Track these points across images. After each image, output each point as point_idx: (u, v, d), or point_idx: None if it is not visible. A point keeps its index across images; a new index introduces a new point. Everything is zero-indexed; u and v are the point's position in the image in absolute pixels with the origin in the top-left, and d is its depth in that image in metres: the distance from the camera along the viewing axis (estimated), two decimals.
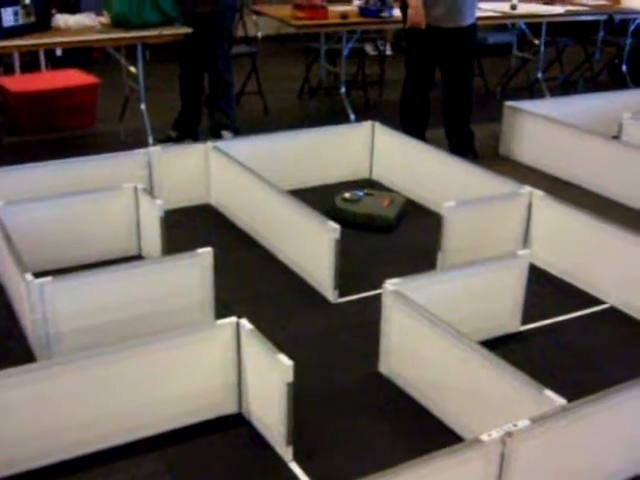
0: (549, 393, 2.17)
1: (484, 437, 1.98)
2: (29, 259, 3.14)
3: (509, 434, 1.99)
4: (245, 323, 2.47)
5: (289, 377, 2.28)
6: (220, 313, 2.92)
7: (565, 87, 6.94)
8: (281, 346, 2.37)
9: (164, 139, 5.05)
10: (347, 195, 4.06)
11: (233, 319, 2.49)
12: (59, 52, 6.57)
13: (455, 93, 4.87)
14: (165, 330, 2.51)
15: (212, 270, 2.97)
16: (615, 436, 2.26)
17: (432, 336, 2.53)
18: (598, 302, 3.32)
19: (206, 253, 2.95)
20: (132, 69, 4.99)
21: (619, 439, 2.28)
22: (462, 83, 4.85)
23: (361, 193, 4.10)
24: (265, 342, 2.38)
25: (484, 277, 2.90)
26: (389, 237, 3.90)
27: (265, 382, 2.40)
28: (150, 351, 2.40)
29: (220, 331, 2.48)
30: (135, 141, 4.84)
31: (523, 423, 2.02)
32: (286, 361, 2.28)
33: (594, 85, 6.97)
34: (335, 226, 3.20)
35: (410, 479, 1.91)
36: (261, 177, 3.73)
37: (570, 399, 2.16)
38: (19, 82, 5.47)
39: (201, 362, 2.49)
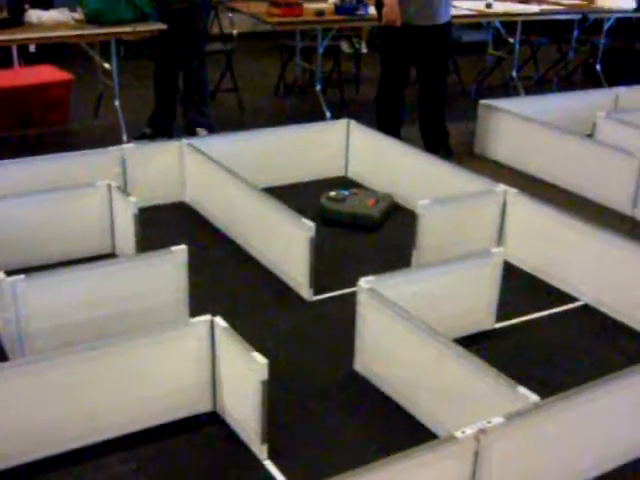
0: (523, 390, 2.18)
1: (458, 434, 1.98)
2: (1, 257, 3.12)
3: (483, 431, 2.00)
4: (219, 321, 2.46)
5: (264, 375, 2.27)
6: (195, 311, 2.89)
7: (540, 86, 6.98)
8: (256, 344, 2.37)
9: (138, 136, 5.02)
10: (332, 194, 4.05)
11: (207, 317, 2.48)
12: (32, 48, 6.50)
13: (430, 91, 4.88)
14: (139, 328, 2.49)
15: (186, 268, 2.96)
16: (588, 433, 2.28)
17: (406, 334, 2.53)
18: (572, 299, 3.35)
19: (180, 251, 2.93)
20: (106, 65, 4.95)
21: (592, 436, 2.29)
22: (437, 81, 4.86)
23: (347, 192, 4.09)
24: (240, 340, 2.37)
25: (458, 275, 2.91)
26: (365, 235, 3.90)
27: (240, 380, 2.39)
28: (123, 349, 2.38)
29: (194, 329, 2.47)
30: (109, 138, 4.80)
31: (497, 420, 2.03)
32: (261, 359, 2.27)
33: (569, 84, 7.03)
34: (310, 224, 3.19)
35: (384, 477, 1.91)
36: (236, 175, 3.71)
37: (544, 396, 2.18)
38: None
39: (175, 360, 2.47)
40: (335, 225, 3.93)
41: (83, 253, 3.48)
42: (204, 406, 2.56)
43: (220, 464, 2.36)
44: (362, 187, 4.43)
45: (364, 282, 2.71)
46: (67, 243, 3.48)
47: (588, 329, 3.16)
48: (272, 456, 2.37)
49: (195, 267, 3.09)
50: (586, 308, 3.30)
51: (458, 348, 2.38)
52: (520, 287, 3.43)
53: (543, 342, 3.04)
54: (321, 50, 5.72)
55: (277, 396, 2.55)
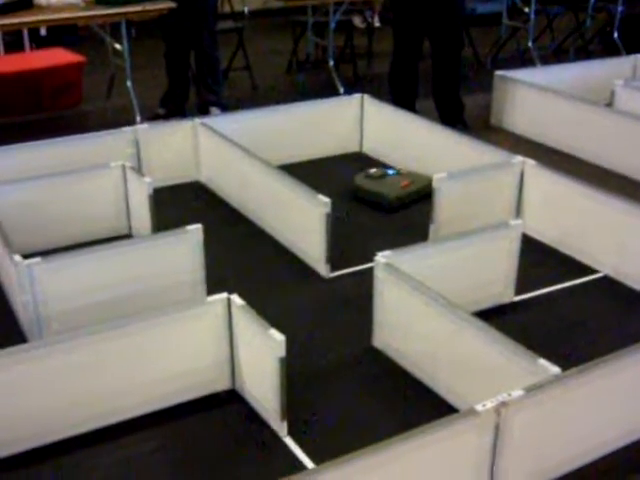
0: (543, 362, 2.16)
1: (478, 407, 1.97)
2: (18, 240, 3.12)
3: (503, 404, 1.98)
4: (236, 299, 2.45)
5: (281, 352, 2.26)
6: (211, 290, 2.89)
7: (556, 55, 6.89)
8: (273, 321, 2.35)
9: (152, 117, 5.00)
10: (372, 171, 3.96)
11: (224, 295, 2.47)
12: (43, 31, 6.48)
13: (444, 64, 4.82)
14: (156, 309, 2.49)
15: (202, 247, 2.95)
16: (610, 405, 2.25)
17: (425, 308, 2.51)
18: (592, 271, 3.31)
19: (196, 230, 2.92)
20: (117, 47, 4.92)
21: (614, 408, 2.27)
22: (451, 53, 4.80)
23: (391, 172, 3.97)
24: (256, 318, 2.36)
25: (476, 248, 2.88)
26: (383, 212, 3.87)
27: (257, 358, 2.39)
28: (141, 329, 2.38)
29: (211, 307, 2.46)
30: (122, 119, 4.78)
31: (517, 393, 2.01)
32: (278, 336, 2.26)
33: (586, 53, 6.91)
34: (325, 200, 3.17)
35: (405, 451, 1.90)
36: (250, 153, 3.69)
37: (564, 368, 2.15)
38: (3, 63, 5.39)
39: (193, 339, 2.47)
40: (361, 202, 3.91)
41: (99, 235, 3.48)
42: (223, 384, 2.56)
43: (240, 442, 2.36)
44: (378, 163, 4.39)
45: (381, 257, 2.69)
46: (83, 225, 3.48)
47: (608, 301, 3.12)
48: (292, 433, 2.36)
49: (211, 246, 3.08)
50: (606, 279, 3.26)
51: (477, 321, 2.36)
52: (539, 259, 3.39)
53: (563, 314, 3.01)
54: (333, 25, 5.66)
55: (295, 373, 2.55)
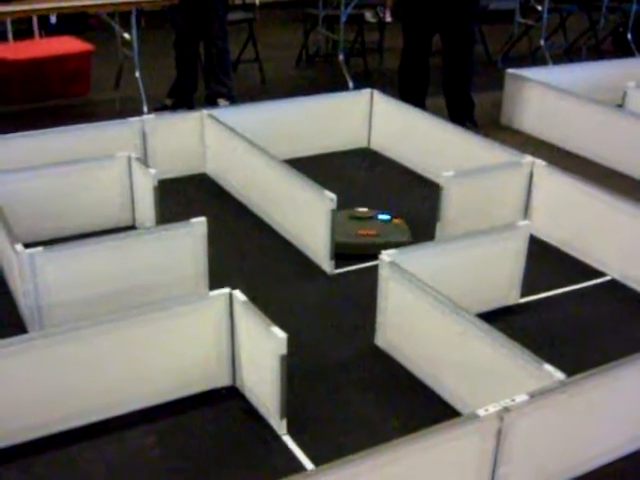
0: (548, 367, 2.12)
1: (481, 412, 1.94)
2: (22, 229, 3.10)
3: (506, 409, 1.95)
4: (238, 294, 2.42)
5: (283, 349, 2.23)
6: (214, 284, 2.87)
7: (568, 55, 6.83)
8: (276, 318, 2.33)
9: (159, 107, 4.97)
10: (359, 210, 3.51)
11: (226, 290, 2.44)
12: (53, 19, 6.45)
13: (455, 61, 4.77)
14: (158, 301, 2.46)
15: (206, 240, 2.92)
16: (615, 412, 2.22)
17: (429, 308, 2.48)
18: (599, 274, 3.27)
19: (199, 223, 2.89)
20: (126, 36, 4.90)
21: (619, 415, 2.23)
22: (463, 50, 4.75)
23: (383, 217, 3.48)
24: (258, 314, 2.33)
25: (483, 248, 2.84)
26: (388, 207, 3.82)
27: (259, 355, 2.36)
28: (142, 322, 2.36)
29: (213, 302, 2.43)
30: (130, 109, 4.76)
31: (521, 398, 1.98)
32: (280, 333, 2.23)
33: (598, 53, 6.85)
34: (331, 195, 3.14)
35: (405, 454, 1.87)
36: (257, 146, 3.66)
37: (569, 374, 2.11)
38: (12, 50, 5.36)
39: (194, 334, 2.44)
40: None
41: (103, 225, 3.46)
42: (223, 380, 2.53)
43: (239, 439, 2.33)
44: (385, 159, 4.36)
45: (386, 255, 2.66)
46: (87, 215, 3.45)
47: (615, 305, 3.08)
48: (291, 431, 2.34)
49: (215, 239, 3.06)
50: (613, 283, 3.22)
51: (481, 323, 2.33)
52: (546, 261, 3.36)
53: (569, 318, 2.98)
54: (344, 18, 5.62)
55: (297, 370, 2.52)
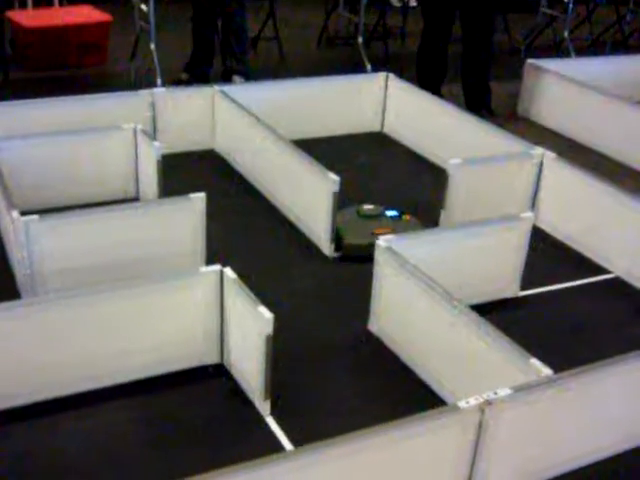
0: (535, 362, 2.08)
1: (462, 404, 1.90)
2: (23, 197, 3.09)
3: (488, 402, 1.91)
4: (229, 272, 2.40)
5: (269, 329, 2.21)
6: (211, 261, 2.84)
7: (593, 48, 6.71)
8: (271, 299, 2.31)
9: (174, 81, 4.94)
10: (366, 207, 3.33)
11: (217, 267, 2.41)
12: None
13: (474, 48, 4.70)
14: (150, 275, 2.44)
15: (204, 216, 2.89)
16: (603, 411, 2.17)
17: (422, 296, 2.44)
18: (603, 271, 3.21)
19: (198, 198, 2.87)
20: (144, 8, 4.86)
21: (607, 414, 2.19)
22: (481, 38, 4.67)
23: (392, 213, 3.32)
24: (247, 293, 2.31)
25: (484, 238, 2.80)
26: (394, 193, 3.78)
27: (246, 334, 2.34)
28: (130, 295, 2.34)
29: (203, 278, 2.41)
30: (145, 82, 4.73)
31: (504, 392, 1.94)
32: (266, 313, 2.20)
33: (624, 48, 6.72)
34: (335, 178, 3.10)
35: (383, 442, 1.84)
36: (265, 124, 3.62)
37: (562, 369, 2.07)
38: (30, 17, 5.35)
39: (183, 309, 2.42)
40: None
41: (107, 197, 3.43)
42: (211, 358, 2.52)
43: (222, 417, 2.31)
44: (397, 144, 4.30)
45: (383, 241, 2.62)
46: (91, 186, 3.44)
47: (617, 303, 3.02)
48: (275, 413, 2.31)
49: (218, 216, 3.03)
50: (617, 281, 3.16)
51: (473, 314, 2.29)
52: (550, 255, 3.30)
53: (568, 313, 2.92)
54: (365, 0, 5.54)
55: (286, 352, 2.49)
